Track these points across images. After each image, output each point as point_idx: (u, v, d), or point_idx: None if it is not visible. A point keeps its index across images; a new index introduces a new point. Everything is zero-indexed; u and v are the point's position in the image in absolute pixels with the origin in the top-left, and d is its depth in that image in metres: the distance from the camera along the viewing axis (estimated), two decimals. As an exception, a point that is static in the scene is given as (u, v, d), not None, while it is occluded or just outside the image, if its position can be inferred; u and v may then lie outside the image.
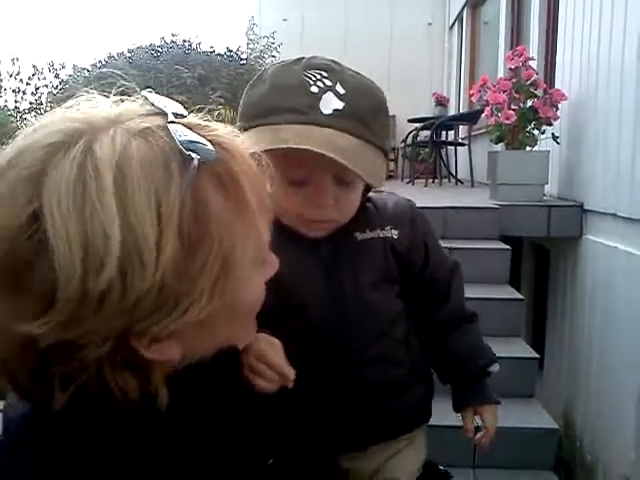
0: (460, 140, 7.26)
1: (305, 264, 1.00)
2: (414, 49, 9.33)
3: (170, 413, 0.58)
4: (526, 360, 3.11)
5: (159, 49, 9.63)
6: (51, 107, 9.07)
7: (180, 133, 0.52)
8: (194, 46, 9.85)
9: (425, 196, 5.14)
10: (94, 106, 0.56)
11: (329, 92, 0.90)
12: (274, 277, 0.70)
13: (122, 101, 0.58)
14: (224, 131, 0.59)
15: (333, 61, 0.96)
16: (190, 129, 0.54)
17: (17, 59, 9.00)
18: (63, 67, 9.62)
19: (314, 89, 0.90)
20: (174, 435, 0.60)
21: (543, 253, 4.34)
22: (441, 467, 1.14)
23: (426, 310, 1.12)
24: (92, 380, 0.54)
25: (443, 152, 7.47)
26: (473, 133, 6.62)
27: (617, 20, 3.19)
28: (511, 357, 3.02)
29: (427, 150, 7.33)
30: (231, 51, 9.24)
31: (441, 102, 8.71)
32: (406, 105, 8.36)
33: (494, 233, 3.65)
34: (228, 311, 0.58)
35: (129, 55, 9.67)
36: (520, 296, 3.39)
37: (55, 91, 9.45)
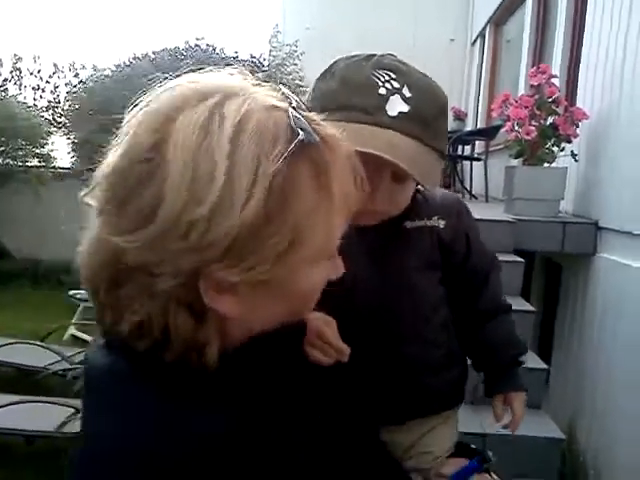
0: (477, 155, 7.30)
1: (352, 249, 1.05)
2: (435, 64, 9.02)
3: (241, 376, 0.65)
4: (535, 371, 3.14)
5: (183, 52, 9.75)
6: (70, 106, 9.30)
7: (296, 116, 0.60)
8: (217, 51, 10.01)
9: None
10: (227, 77, 0.64)
11: (396, 94, 0.93)
12: None
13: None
14: (330, 127, 0.65)
15: (401, 61, 0.99)
16: (305, 117, 0.61)
17: (39, 57, 9.13)
18: (84, 67, 9.74)
19: (382, 91, 0.93)
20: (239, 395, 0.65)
21: (555, 268, 4.37)
22: (473, 446, 1.19)
23: (466, 299, 1.18)
24: (156, 312, 0.59)
25: (459, 167, 7.51)
26: (490, 149, 6.65)
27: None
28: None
29: (443, 164, 7.35)
30: (254, 57, 9.35)
31: (459, 117, 8.76)
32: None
33: (508, 246, 3.69)
34: (285, 288, 0.63)
35: (153, 57, 9.80)
36: (532, 308, 3.43)
37: (74, 89, 9.53)
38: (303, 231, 0.60)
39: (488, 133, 6.37)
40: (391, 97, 0.92)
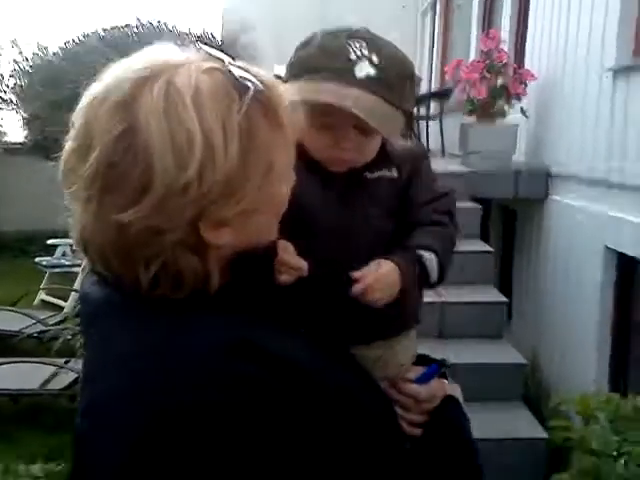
0: (432, 115, 7.55)
1: (322, 193, 1.19)
2: (388, 32, 9.16)
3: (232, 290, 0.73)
4: (496, 304, 3.43)
5: (135, 29, 9.63)
6: (15, 83, 9.15)
7: (237, 71, 0.69)
8: (170, 27, 9.97)
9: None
10: (166, 52, 0.70)
11: (365, 60, 1.06)
12: (296, 196, 0.90)
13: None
14: (265, 74, 0.75)
15: (374, 35, 1.13)
16: (242, 69, 0.70)
17: None
18: (28, 45, 9.54)
19: (352, 56, 1.05)
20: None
21: (510, 214, 4.67)
22: (433, 357, 1.27)
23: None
24: (169, 261, 0.66)
25: (416, 126, 7.72)
26: (445, 110, 6.85)
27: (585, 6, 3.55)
28: (484, 302, 3.36)
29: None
30: (206, 32, 9.50)
31: (414, 82, 8.91)
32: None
33: (465, 195, 3.90)
34: (265, 208, 0.73)
35: (103, 35, 9.63)
36: (490, 248, 3.72)
37: (18, 67, 9.41)
38: (273, 159, 0.71)
39: (442, 95, 6.61)
40: (360, 62, 1.06)
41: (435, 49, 9.04)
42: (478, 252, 3.64)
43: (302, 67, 1.11)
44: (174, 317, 0.68)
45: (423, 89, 8.97)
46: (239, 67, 0.70)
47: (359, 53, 1.06)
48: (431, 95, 7.47)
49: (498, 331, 3.41)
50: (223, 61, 0.70)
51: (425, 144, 7.23)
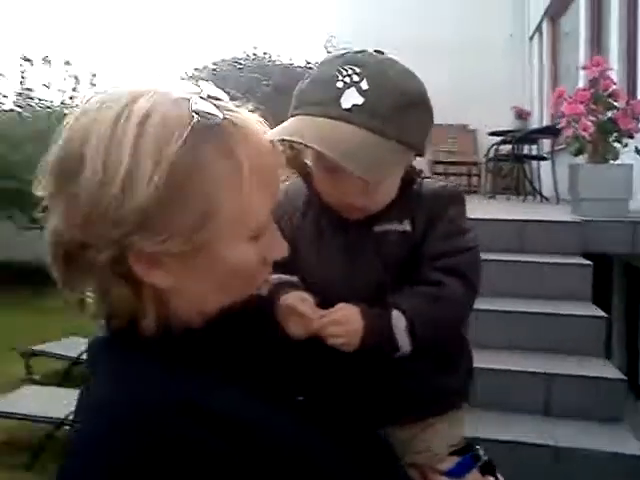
0: (544, 154, 7.06)
1: (328, 242, 1.10)
2: (494, 61, 9.03)
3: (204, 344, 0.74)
4: (613, 381, 2.98)
5: (241, 62, 9.99)
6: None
7: (197, 105, 0.68)
8: (274, 58, 10.29)
9: (503, 210, 5.04)
10: (148, 82, 0.72)
11: (352, 88, 0.94)
12: (298, 243, 1.02)
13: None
14: (245, 114, 0.74)
15: (377, 57, 1.01)
16: (214, 106, 0.70)
17: (95, 75, 9.24)
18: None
19: (339, 84, 0.95)
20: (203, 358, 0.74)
21: (635, 272, 4.14)
22: (478, 447, 1.14)
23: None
24: (102, 285, 0.71)
25: (527, 167, 7.28)
26: (556, 147, 6.37)
27: None
28: (597, 377, 2.94)
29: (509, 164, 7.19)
30: (309, 63, 9.56)
31: (521, 115, 8.52)
32: (486, 118, 8.22)
33: (575, 249, 3.57)
34: (211, 261, 0.72)
35: (213, 67, 10.10)
36: (602, 313, 3.26)
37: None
38: (214, 203, 0.68)
39: (552, 131, 6.13)
40: (347, 90, 0.94)
41: (545, 79, 8.53)
42: (587, 317, 3.22)
43: (295, 101, 1.01)
44: (124, 364, 0.72)
45: (534, 124, 8.53)
46: (213, 101, 0.71)
47: (348, 80, 0.95)
48: (538, 131, 7.01)
49: (617, 413, 2.95)
50: (200, 92, 0.71)
51: (536, 187, 6.77)
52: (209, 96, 0.71)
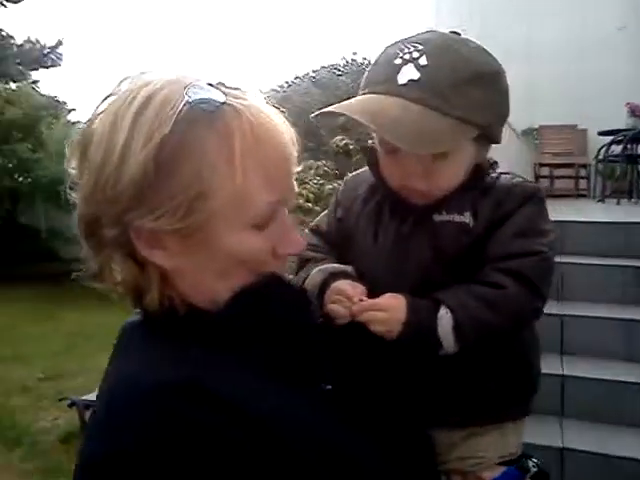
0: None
1: (385, 228, 1.07)
2: (605, 56, 8.48)
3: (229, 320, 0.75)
4: None
5: (340, 68, 10.04)
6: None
7: (198, 90, 0.70)
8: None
9: (611, 213, 4.69)
10: (162, 72, 0.75)
11: (410, 64, 0.93)
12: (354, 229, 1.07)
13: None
14: (253, 101, 0.74)
15: (444, 34, 0.99)
16: (222, 93, 0.71)
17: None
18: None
19: (397, 61, 0.94)
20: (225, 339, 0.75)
21: None
22: (535, 461, 1.08)
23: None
24: (108, 258, 0.75)
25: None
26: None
27: None
28: None
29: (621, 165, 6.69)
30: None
31: (635, 112, 7.89)
32: (597, 117, 7.77)
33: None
34: (209, 244, 0.73)
35: (313, 75, 10.21)
36: None
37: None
38: (207, 184, 0.69)
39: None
40: (404, 66, 0.93)
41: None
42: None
43: (362, 85, 1.01)
44: (137, 345, 0.77)
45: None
46: (222, 88, 0.72)
47: (407, 57, 0.94)
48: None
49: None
50: (206, 81, 0.73)
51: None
52: (219, 83, 0.73)
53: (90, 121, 0.74)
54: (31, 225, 10.42)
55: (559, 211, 4.63)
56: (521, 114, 8.31)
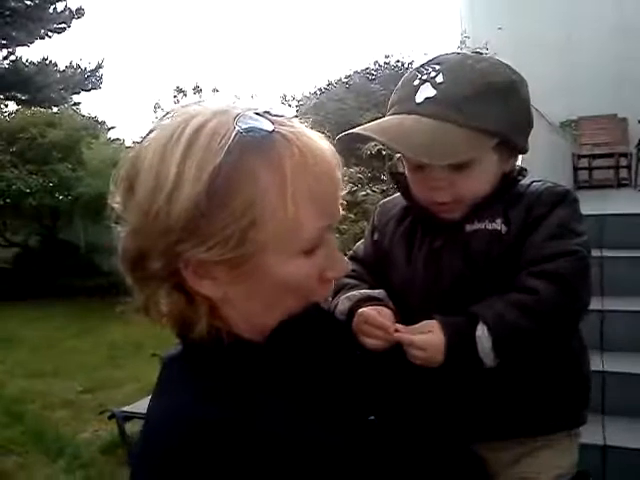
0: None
1: (417, 245, 1.09)
2: None
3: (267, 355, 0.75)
4: None
5: (373, 72, 9.96)
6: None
7: (247, 118, 0.71)
8: (406, 65, 10.11)
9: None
10: (227, 101, 0.76)
11: (427, 83, 0.97)
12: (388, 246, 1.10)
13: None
14: (299, 128, 0.74)
15: (464, 53, 1.05)
16: (269, 121, 0.71)
17: (217, 90, 9.59)
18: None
19: (416, 82, 0.99)
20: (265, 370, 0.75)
21: None
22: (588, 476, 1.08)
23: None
24: (154, 291, 0.74)
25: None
26: None
27: None
28: None
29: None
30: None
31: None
32: (638, 105, 7.59)
33: None
34: (259, 273, 0.72)
35: (345, 80, 10.16)
36: None
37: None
38: (259, 213, 0.69)
39: None
40: (422, 86, 0.98)
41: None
42: None
43: (388, 106, 1.05)
44: (178, 379, 0.77)
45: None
46: (271, 118, 0.72)
47: (425, 77, 0.98)
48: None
49: None
50: (255, 108, 0.73)
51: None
52: (266, 112, 0.73)
53: (136, 155, 0.73)
54: (71, 241, 10.77)
55: (600, 203, 4.54)
56: (559, 106, 8.18)
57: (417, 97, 0.97)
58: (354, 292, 1.07)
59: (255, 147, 0.69)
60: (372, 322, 0.98)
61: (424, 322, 0.97)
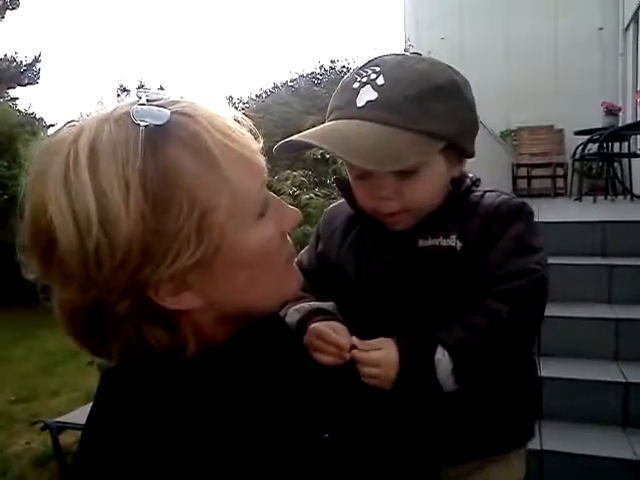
0: (637, 152, 6.60)
1: (369, 259, 1.05)
2: (583, 57, 8.61)
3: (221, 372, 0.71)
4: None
5: (318, 76, 9.98)
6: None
7: (137, 109, 0.63)
8: (352, 70, 10.10)
9: (587, 211, 4.73)
10: (98, 108, 0.68)
11: (367, 85, 0.93)
12: (337, 260, 1.04)
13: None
14: (194, 104, 0.68)
15: (403, 54, 1.00)
16: (158, 106, 0.65)
17: (162, 88, 9.53)
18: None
19: (355, 85, 0.95)
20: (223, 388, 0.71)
21: None
22: None
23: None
24: (131, 334, 0.66)
25: (617, 166, 6.84)
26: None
27: None
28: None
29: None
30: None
31: (611, 112, 7.98)
32: (575, 117, 7.84)
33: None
34: (232, 258, 0.67)
35: (292, 84, 10.16)
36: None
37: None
38: (205, 200, 0.64)
39: (644, 126, 5.71)
40: (362, 89, 0.94)
41: (639, 72, 7.97)
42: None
43: (327, 112, 1.01)
44: (123, 398, 0.70)
45: (627, 120, 8.00)
46: (160, 103, 0.66)
47: (365, 80, 0.94)
48: (628, 127, 6.54)
49: None
50: (139, 99, 0.67)
51: (627, 187, 6.35)
52: (149, 100, 0.67)
53: (32, 211, 0.64)
54: (5, 241, 10.28)
55: (537, 211, 4.66)
56: (499, 116, 8.41)
57: (358, 101, 0.93)
58: (303, 304, 1.02)
59: (165, 137, 0.63)
60: (326, 339, 0.93)
61: (380, 339, 0.93)
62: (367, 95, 0.92)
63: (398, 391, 0.91)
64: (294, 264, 0.83)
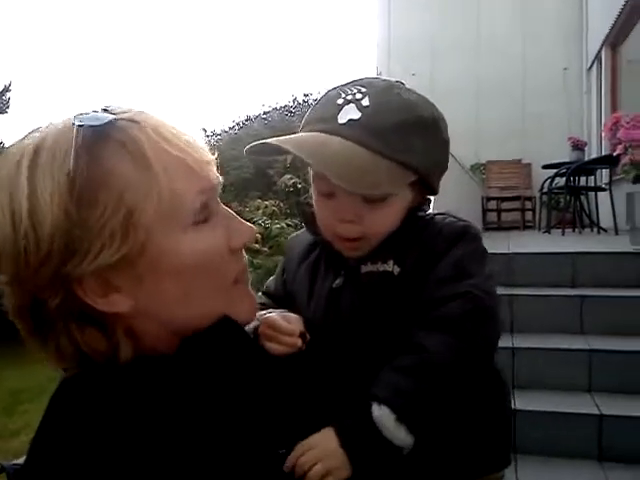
0: (603, 185, 6.75)
1: (320, 285, 1.03)
2: (549, 94, 8.98)
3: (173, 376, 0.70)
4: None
5: (292, 109, 10.13)
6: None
7: (83, 119, 0.66)
8: None
9: (556, 243, 4.80)
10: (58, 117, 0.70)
11: (351, 104, 0.92)
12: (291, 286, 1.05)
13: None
14: (145, 113, 0.71)
15: (389, 80, 0.99)
16: (105, 111, 0.69)
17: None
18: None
19: (340, 101, 0.93)
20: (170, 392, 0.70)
21: None
22: None
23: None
24: (62, 333, 0.67)
25: (584, 199, 6.99)
26: (614, 177, 6.12)
27: None
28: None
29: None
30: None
31: (578, 146, 8.20)
32: (542, 152, 8.07)
33: (635, 281, 3.27)
34: (160, 261, 0.68)
35: (264, 116, 10.25)
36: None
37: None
38: (132, 201, 0.65)
39: (609, 160, 5.84)
40: (346, 106, 0.92)
41: (603, 110, 8.21)
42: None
43: (303, 122, 0.99)
44: (77, 409, 0.68)
45: (592, 155, 8.21)
46: (111, 110, 0.69)
47: (350, 97, 0.93)
48: (594, 161, 6.71)
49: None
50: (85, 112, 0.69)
51: (594, 220, 6.48)
52: (104, 109, 0.70)
53: None
54: None
55: (507, 243, 4.72)
56: (469, 151, 8.57)
57: (340, 117, 0.91)
58: (261, 312, 0.97)
59: (103, 139, 0.66)
60: (278, 328, 0.92)
61: (313, 435, 0.84)
62: (350, 113, 0.91)
63: (360, 468, 0.84)
64: (248, 286, 0.81)
